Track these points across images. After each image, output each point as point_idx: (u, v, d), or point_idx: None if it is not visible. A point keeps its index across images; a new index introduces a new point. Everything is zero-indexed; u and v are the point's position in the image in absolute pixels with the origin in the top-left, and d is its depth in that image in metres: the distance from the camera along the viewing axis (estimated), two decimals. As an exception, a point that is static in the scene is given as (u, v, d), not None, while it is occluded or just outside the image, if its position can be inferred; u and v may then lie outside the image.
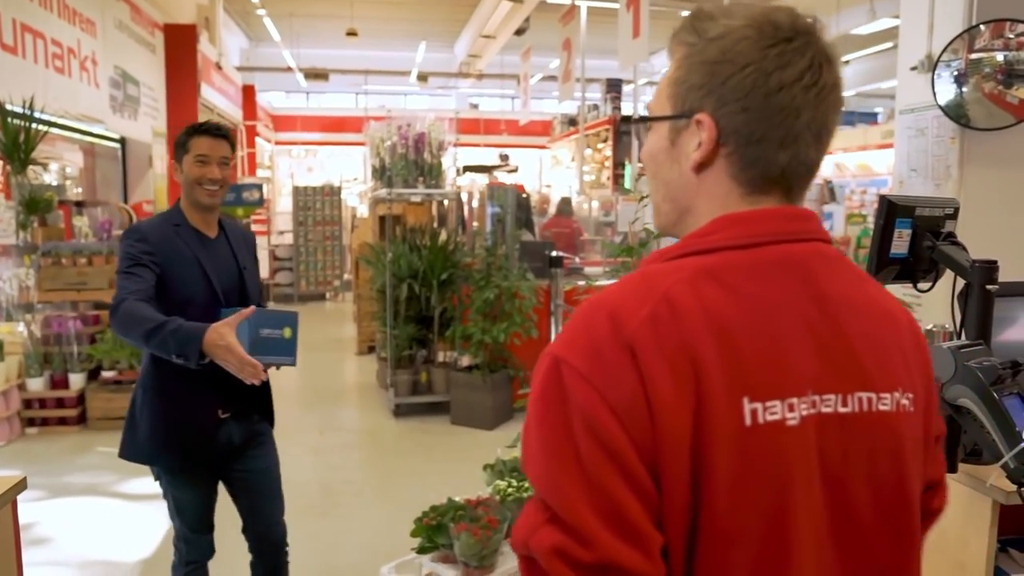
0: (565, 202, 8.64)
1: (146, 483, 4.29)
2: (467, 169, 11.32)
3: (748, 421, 0.69)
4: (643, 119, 0.85)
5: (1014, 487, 1.18)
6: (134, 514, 3.88)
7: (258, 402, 2.36)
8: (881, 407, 0.76)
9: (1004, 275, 1.47)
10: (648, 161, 0.85)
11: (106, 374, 5.25)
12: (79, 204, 6.80)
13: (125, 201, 8.07)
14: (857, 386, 0.75)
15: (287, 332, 2.12)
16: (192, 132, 2.20)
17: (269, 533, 2.52)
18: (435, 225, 6.99)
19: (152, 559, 3.38)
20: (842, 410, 0.74)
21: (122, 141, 8.16)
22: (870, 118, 21.23)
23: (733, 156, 0.77)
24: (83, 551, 3.45)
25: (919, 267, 1.49)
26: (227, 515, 2.57)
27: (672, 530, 0.69)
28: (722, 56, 0.76)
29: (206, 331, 1.93)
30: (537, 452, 0.72)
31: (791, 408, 0.71)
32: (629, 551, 0.66)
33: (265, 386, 2.28)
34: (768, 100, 0.74)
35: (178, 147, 2.21)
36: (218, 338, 1.92)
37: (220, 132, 2.21)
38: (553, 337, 5.51)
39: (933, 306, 3.30)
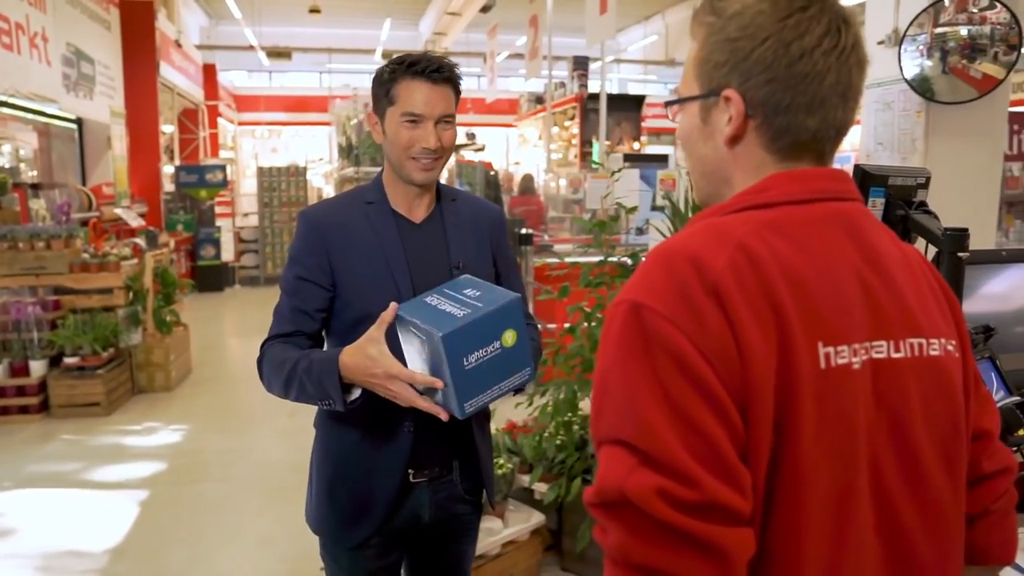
0: (528, 179, 8.64)
1: (112, 471, 4.25)
2: (434, 148, 11.21)
3: (823, 364, 0.72)
4: (675, 101, 0.88)
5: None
6: (101, 503, 3.81)
7: (470, 461, 1.62)
8: (931, 352, 0.80)
9: (970, 244, 1.49)
10: (684, 141, 0.88)
11: (68, 360, 5.13)
12: (35, 187, 6.60)
13: (83, 183, 7.86)
14: (908, 332, 0.79)
15: (509, 337, 1.28)
16: (398, 71, 1.49)
17: None
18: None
19: (120, 548, 3.32)
20: (895, 355, 0.77)
21: (78, 121, 7.92)
22: (833, 95, 21.50)
23: (763, 127, 0.80)
24: (48, 542, 3.38)
25: (892, 236, 1.50)
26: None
27: (754, 470, 0.70)
28: (741, 32, 0.79)
29: (340, 354, 1.37)
30: (620, 398, 0.71)
31: (855, 353, 0.74)
32: (727, 490, 0.67)
33: (482, 433, 1.64)
34: (791, 69, 0.77)
35: (378, 93, 1.53)
36: (362, 358, 1.34)
37: (442, 73, 1.49)
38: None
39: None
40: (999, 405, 1.15)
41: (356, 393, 1.40)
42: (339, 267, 1.52)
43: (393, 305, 1.34)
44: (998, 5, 3.11)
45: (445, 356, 1.19)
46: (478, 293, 1.32)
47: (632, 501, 0.67)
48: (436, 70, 1.48)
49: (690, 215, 3.24)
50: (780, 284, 0.72)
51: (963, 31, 3.15)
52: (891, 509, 0.77)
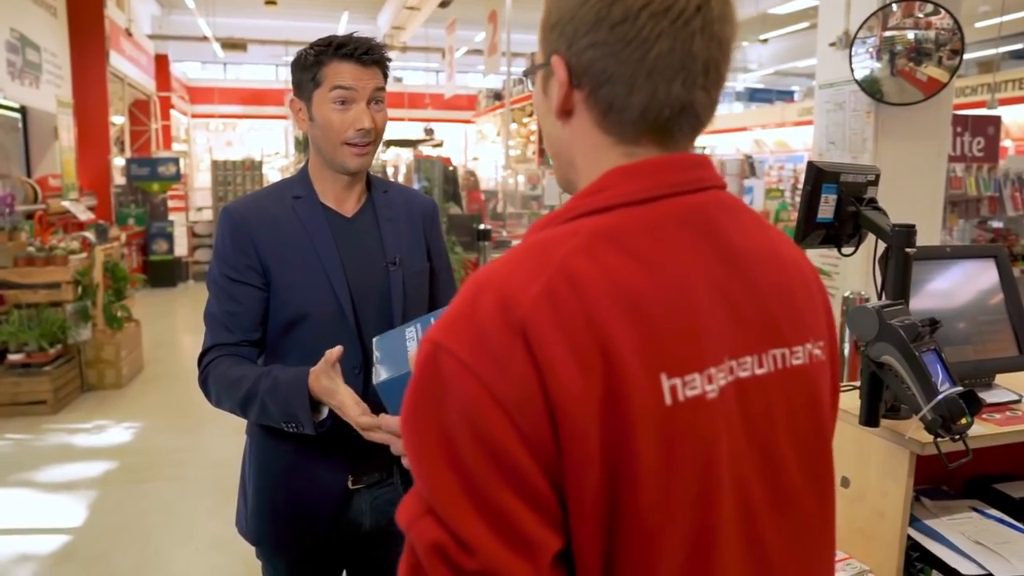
0: (470, 173, 8.77)
1: (60, 471, 4.13)
2: (391, 144, 11.14)
3: (668, 400, 0.62)
4: (527, 72, 0.79)
5: (930, 438, 1.24)
6: (47, 505, 3.70)
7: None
8: (794, 362, 0.72)
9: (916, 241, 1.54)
10: (537, 117, 0.79)
11: (13, 357, 4.96)
12: (-24, 178, 6.38)
13: (28, 175, 7.61)
14: (770, 343, 0.70)
15: None
16: (324, 53, 1.40)
17: None
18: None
19: (68, 551, 3.23)
20: (759, 372, 0.69)
21: (22, 111, 7.66)
22: (787, 96, 21.92)
23: (591, 100, 0.69)
24: (-7, 542, 3.28)
25: (843, 232, 1.54)
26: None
27: (585, 529, 0.61)
28: None
29: (309, 377, 1.32)
30: (414, 446, 0.64)
31: (710, 379, 0.65)
32: (517, 561, 0.59)
33: None
34: (613, 33, 0.65)
35: (302, 78, 1.43)
36: (319, 386, 1.31)
37: (372, 55, 1.41)
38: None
39: (850, 274, 3.45)
40: (944, 395, 1.19)
41: (325, 413, 1.35)
42: (270, 266, 1.44)
43: (338, 348, 1.30)
44: (942, 11, 3.21)
45: (385, 402, 1.13)
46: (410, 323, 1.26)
47: (414, 546, 0.63)
48: (366, 52, 1.40)
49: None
50: (610, 311, 0.61)
51: (910, 35, 3.25)
52: (759, 543, 0.69)
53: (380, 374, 1.15)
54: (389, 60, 1.47)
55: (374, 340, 1.27)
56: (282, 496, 1.52)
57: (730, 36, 0.69)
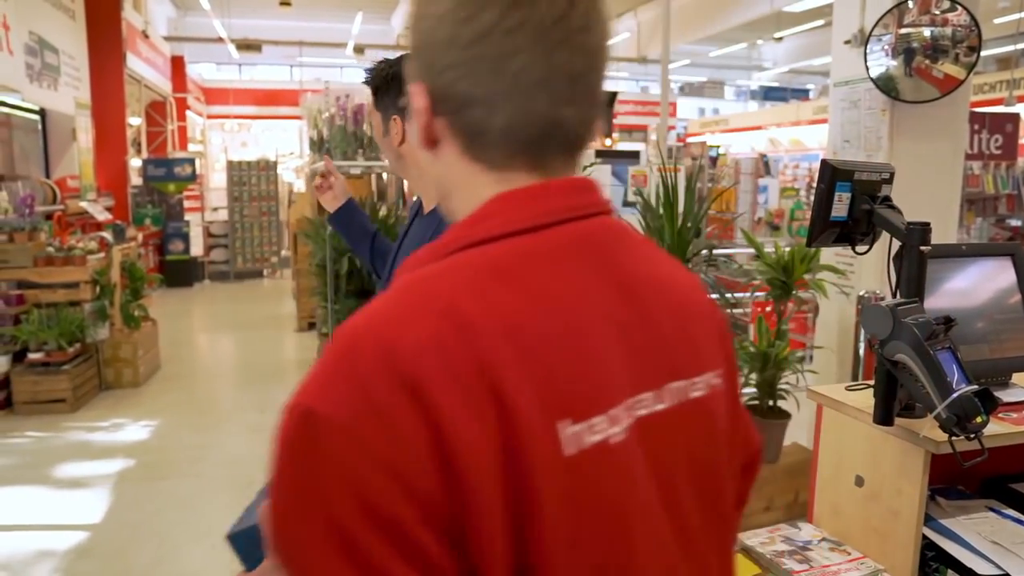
0: None
1: (78, 468, 4.18)
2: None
3: (570, 449, 0.56)
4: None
5: (945, 437, 1.24)
6: (66, 501, 3.75)
7: None
8: (694, 394, 0.68)
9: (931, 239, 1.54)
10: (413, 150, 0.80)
11: (32, 356, 5.03)
12: (-4, 179, 6.46)
13: (47, 176, 7.70)
14: (668, 377, 0.66)
15: None
16: None
17: None
18: (375, 199, 6.89)
19: (86, 547, 3.27)
20: (658, 408, 0.64)
21: (42, 113, 7.75)
22: (802, 94, 21.79)
23: (455, 127, 0.65)
24: (12, 542, 3.32)
25: (857, 230, 1.53)
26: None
27: None
28: (425, 9, 0.65)
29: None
30: (287, 543, 0.55)
31: (613, 421, 0.59)
32: None
33: None
34: (468, 52, 0.62)
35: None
36: None
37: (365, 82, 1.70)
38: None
39: (865, 273, 3.43)
40: (959, 394, 1.19)
41: None
42: None
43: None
44: (959, 7, 3.19)
45: (241, 560, 0.94)
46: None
47: None
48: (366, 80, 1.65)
49: (662, 211, 3.28)
50: (502, 355, 0.56)
51: (926, 32, 3.22)
52: None
53: (228, 527, 0.94)
54: (369, 79, 1.64)
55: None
56: None
57: (597, 45, 0.65)
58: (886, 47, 3.29)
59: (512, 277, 0.60)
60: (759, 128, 17.64)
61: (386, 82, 1.57)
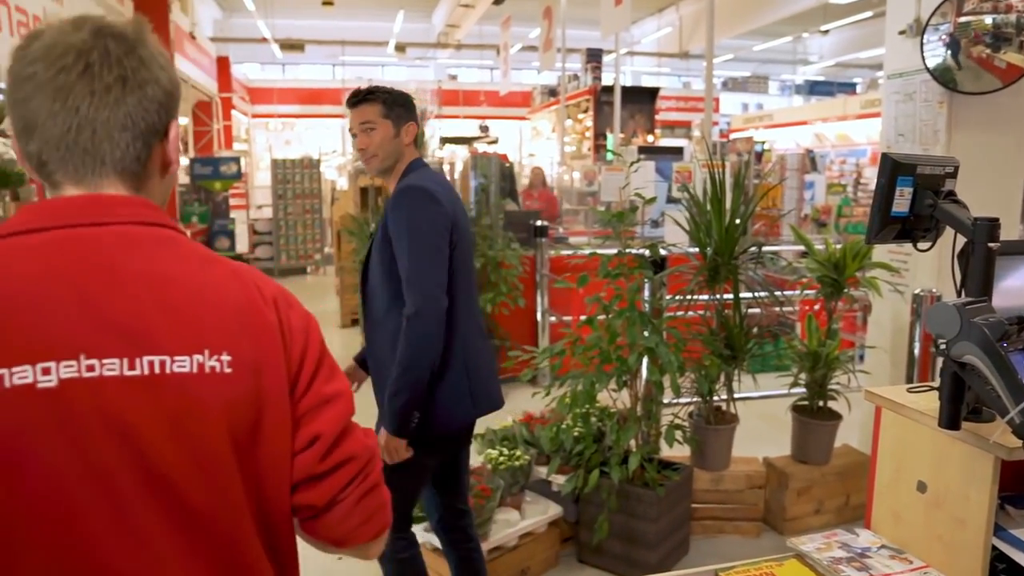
0: (537, 173, 8.64)
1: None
2: (447, 141, 11.21)
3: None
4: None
5: (1018, 443, 1.18)
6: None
7: None
8: (176, 369, 0.80)
9: (1000, 235, 1.47)
10: None
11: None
12: (51, 178, 6.64)
13: (99, 175, 7.90)
14: (144, 350, 0.79)
15: None
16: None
17: None
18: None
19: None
20: (128, 373, 0.78)
21: (94, 113, 7.95)
22: (849, 88, 21.30)
23: (22, 156, 0.85)
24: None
25: (919, 226, 1.48)
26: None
27: None
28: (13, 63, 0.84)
29: None
30: None
31: (46, 372, 0.74)
32: None
33: None
34: (13, 95, 0.82)
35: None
36: None
37: (354, 99, 2.05)
38: (539, 305, 5.54)
39: (919, 271, 3.32)
40: (1032, 396, 1.13)
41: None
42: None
43: None
44: (1024, -7, 3.06)
45: None
46: None
47: None
48: (352, 97, 2.05)
49: (708, 207, 3.23)
50: None
51: (987, 20, 3.10)
52: (133, 519, 0.78)
53: None
54: (373, 93, 2.03)
55: None
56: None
57: (99, 80, 0.81)
58: (943, 36, 3.18)
59: None
60: (804, 123, 17.29)
61: (392, 97, 2.03)
